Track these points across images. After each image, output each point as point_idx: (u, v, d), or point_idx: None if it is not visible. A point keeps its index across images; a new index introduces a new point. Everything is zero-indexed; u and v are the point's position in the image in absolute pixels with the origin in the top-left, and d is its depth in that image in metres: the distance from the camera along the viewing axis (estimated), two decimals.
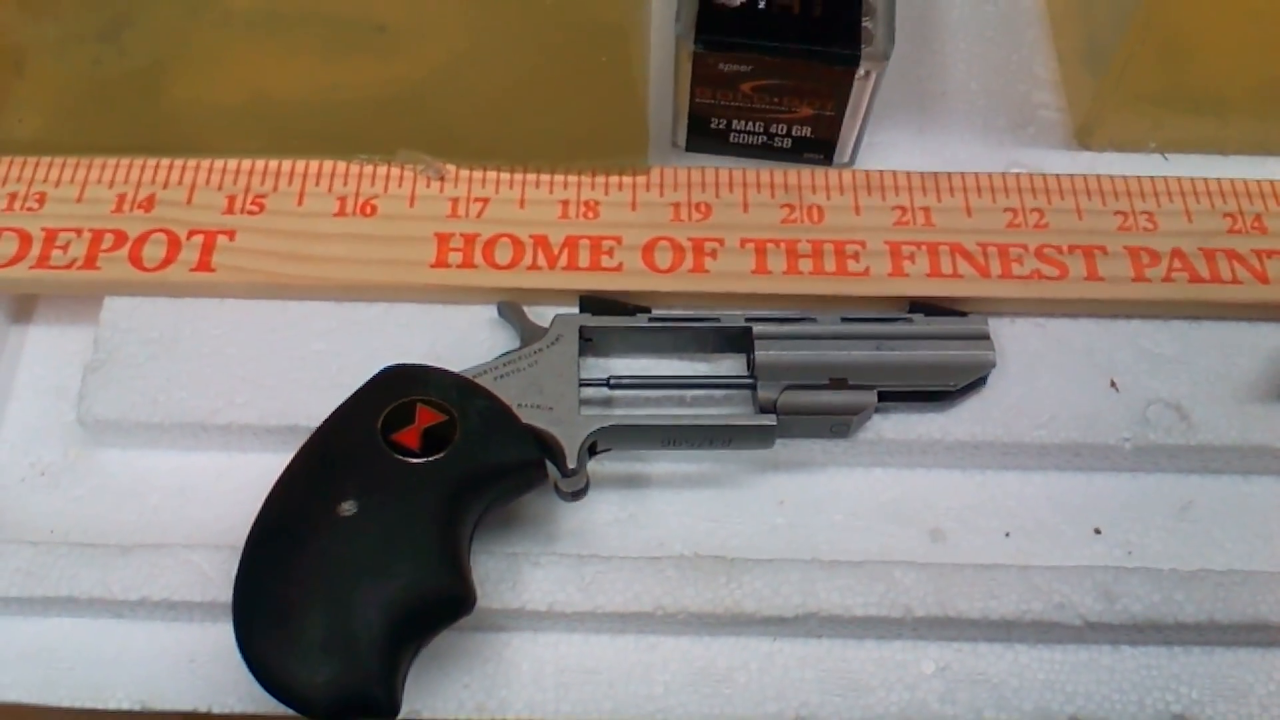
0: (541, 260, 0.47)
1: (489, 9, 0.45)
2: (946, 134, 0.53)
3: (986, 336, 0.45)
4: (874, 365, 0.44)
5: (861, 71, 0.46)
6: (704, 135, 0.51)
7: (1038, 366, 0.46)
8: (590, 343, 0.45)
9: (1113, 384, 0.46)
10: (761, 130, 0.50)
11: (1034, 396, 0.46)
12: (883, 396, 0.44)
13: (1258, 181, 0.50)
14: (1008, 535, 0.45)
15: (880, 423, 0.45)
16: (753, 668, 0.42)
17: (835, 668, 0.42)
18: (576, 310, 0.46)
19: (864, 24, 0.47)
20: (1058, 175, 0.50)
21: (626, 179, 0.49)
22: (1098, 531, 0.45)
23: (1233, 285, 0.47)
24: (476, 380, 0.42)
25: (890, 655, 0.43)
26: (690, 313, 0.46)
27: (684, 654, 0.42)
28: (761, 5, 0.47)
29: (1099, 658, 0.42)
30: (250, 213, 0.48)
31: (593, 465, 0.43)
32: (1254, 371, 0.46)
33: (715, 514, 0.45)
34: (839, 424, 0.44)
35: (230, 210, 0.48)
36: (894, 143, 0.52)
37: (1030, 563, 0.43)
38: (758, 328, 0.45)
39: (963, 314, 0.46)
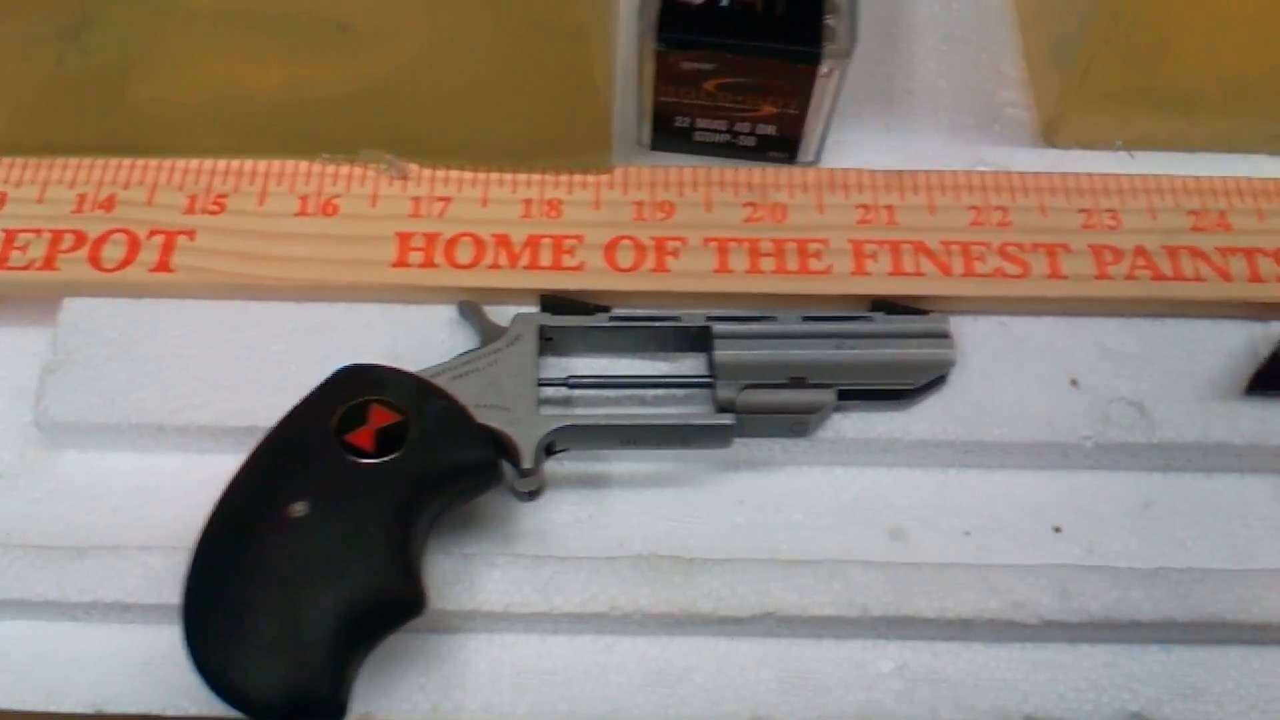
0: (503, 259, 0.47)
1: (451, 8, 0.45)
2: (913, 132, 0.53)
3: (947, 335, 0.45)
4: (834, 364, 0.44)
5: (824, 69, 0.46)
6: (668, 134, 0.51)
7: (999, 365, 0.46)
8: (550, 342, 0.45)
9: (1074, 382, 0.46)
10: (725, 129, 0.50)
11: (995, 395, 0.45)
12: (843, 395, 0.44)
13: (1222, 179, 0.50)
14: (968, 534, 0.45)
15: (840, 421, 0.45)
16: (709, 668, 0.42)
17: (792, 667, 0.42)
18: (537, 309, 0.46)
19: (826, 21, 0.46)
20: (1022, 173, 0.50)
21: (590, 178, 0.49)
22: (1058, 530, 0.45)
23: (1195, 283, 0.47)
24: (433, 380, 0.42)
25: (848, 655, 0.42)
26: (651, 312, 0.46)
27: (641, 654, 0.42)
28: (724, 3, 0.47)
29: (1057, 656, 0.42)
30: (211, 212, 0.48)
31: (552, 466, 0.43)
32: (1216, 369, 0.46)
33: (675, 514, 0.45)
34: (798, 423, 0.44)
35: (191, 210, 0.48)
36: (860, 141, 0.52)
37: (991, 561, 0.43)
38: (717, 327, 0.45)
39: (924, 312, 0.46)
